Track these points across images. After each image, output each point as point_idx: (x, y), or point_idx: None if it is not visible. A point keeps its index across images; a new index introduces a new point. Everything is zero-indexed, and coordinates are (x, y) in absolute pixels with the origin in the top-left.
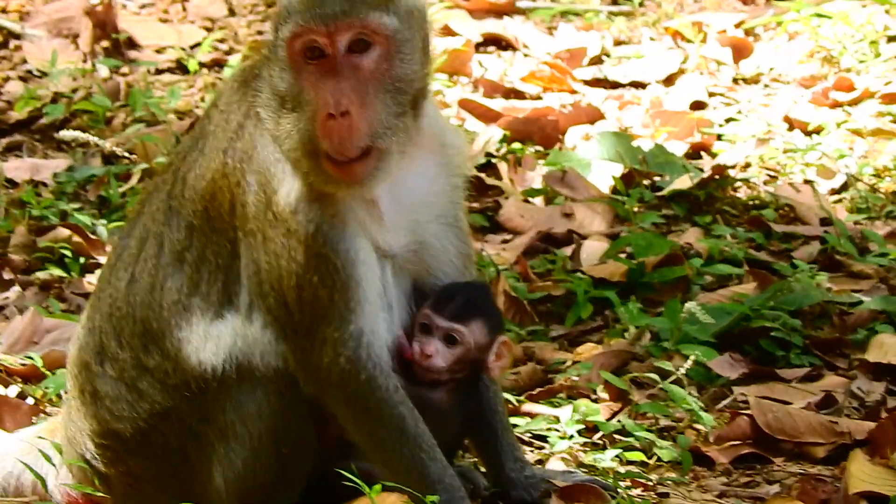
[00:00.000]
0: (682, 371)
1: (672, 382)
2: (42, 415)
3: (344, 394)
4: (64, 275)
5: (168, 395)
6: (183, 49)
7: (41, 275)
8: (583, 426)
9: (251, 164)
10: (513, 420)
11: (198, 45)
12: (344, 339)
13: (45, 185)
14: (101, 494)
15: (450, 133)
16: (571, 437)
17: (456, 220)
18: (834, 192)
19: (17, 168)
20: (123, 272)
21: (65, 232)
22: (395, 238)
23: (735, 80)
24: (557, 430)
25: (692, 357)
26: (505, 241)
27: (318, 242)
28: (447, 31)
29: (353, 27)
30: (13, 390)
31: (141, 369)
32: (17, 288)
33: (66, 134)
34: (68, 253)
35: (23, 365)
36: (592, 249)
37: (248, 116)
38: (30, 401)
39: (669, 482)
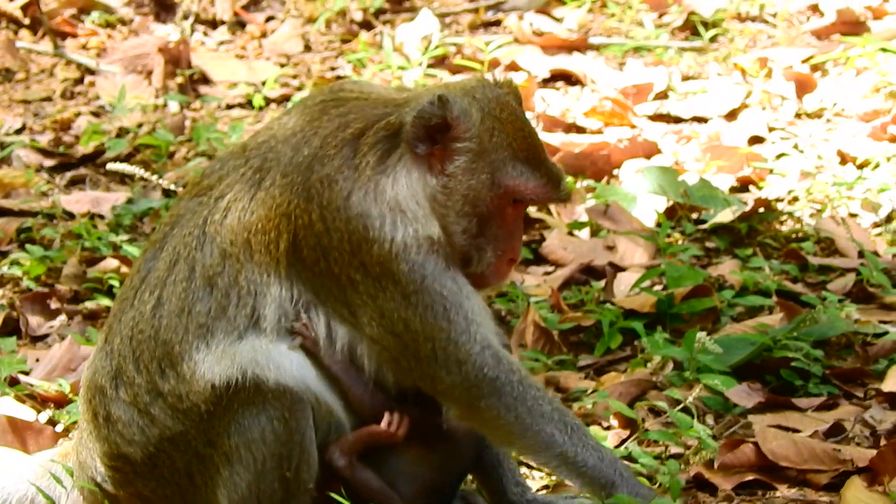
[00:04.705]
0: (691, 399)
1: (683, 410)
2: (67, 439)
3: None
4: (111, 304)
5: (178, 421)
6: (253, 85)
7: (89, 304)
8: None
9: (339, 213)
10: None
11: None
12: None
13: (102, 217)
14: None
15: None
16: None
17: None
18: (877, 225)
19: (78, 201)
20: (149, 295)
21: (114, 263)
22: None
23: (798, 115)
24: None
25: (700, 386)
26: (547, 274)
27: (426, 280)
28: (513, 67)
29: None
30: (45, 416)
31: (155, 394)
32: (62, 317)
33: (115, 167)
34: (116, 283)
35: (56, 391)
36: (628, 281)
37: (341, 172)
38: (59, 427)
39: None
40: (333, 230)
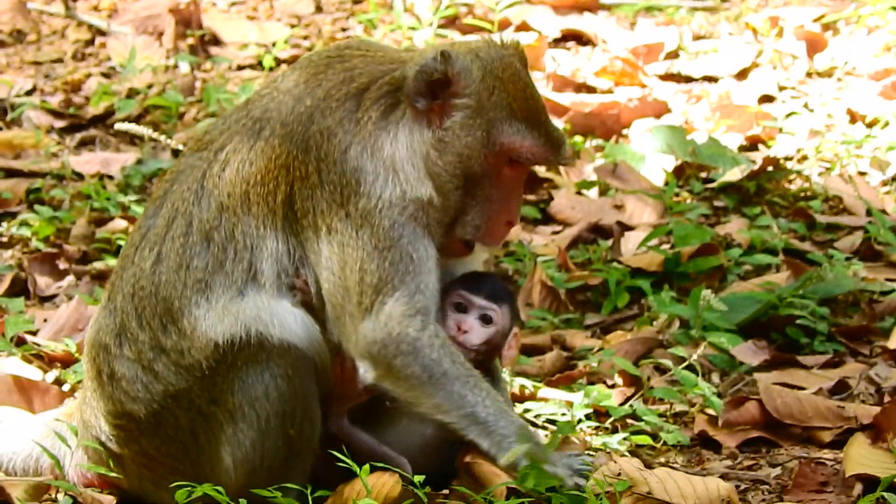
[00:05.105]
0: (695, 357)
1: (688, 368)
2: (72, 399)
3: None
4: None
5: (181, 377)
6: (264, 46)
7: (97, 265)
8: (595, 411)
9: (335, 167)
10: (528, 404)
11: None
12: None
13: (111, 178)
14: (114, 475)
15: None
16: (580, 420)
17: None
18: (885, 183)
19: (88, 162)
20: (149, 251)
21: (122, 223)
22: None
23: (808, 74)
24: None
25: (705, 344)
26: (555, 233)
27: (402, 239)
28: (524, 27)
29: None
30: (51, 375)
31: (158, 350)
32: (71, 277)
33: (124, 127)
34: (124, 244)
35: (63, 351)
36: (636, 240)
37: (342, 124)
38: (66, 387)
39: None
40: (327, 183)
